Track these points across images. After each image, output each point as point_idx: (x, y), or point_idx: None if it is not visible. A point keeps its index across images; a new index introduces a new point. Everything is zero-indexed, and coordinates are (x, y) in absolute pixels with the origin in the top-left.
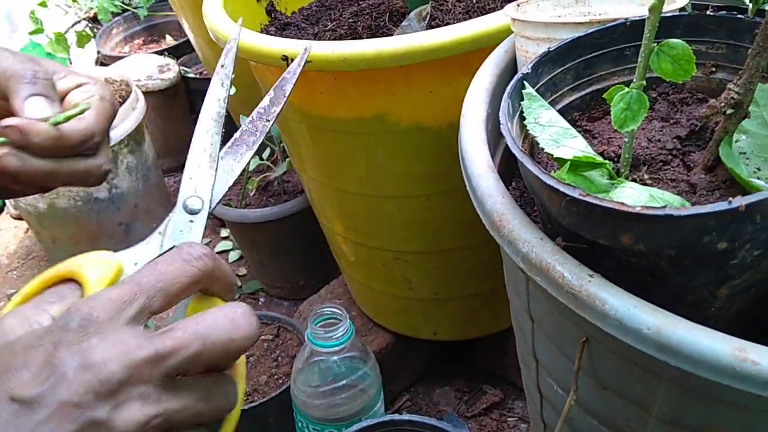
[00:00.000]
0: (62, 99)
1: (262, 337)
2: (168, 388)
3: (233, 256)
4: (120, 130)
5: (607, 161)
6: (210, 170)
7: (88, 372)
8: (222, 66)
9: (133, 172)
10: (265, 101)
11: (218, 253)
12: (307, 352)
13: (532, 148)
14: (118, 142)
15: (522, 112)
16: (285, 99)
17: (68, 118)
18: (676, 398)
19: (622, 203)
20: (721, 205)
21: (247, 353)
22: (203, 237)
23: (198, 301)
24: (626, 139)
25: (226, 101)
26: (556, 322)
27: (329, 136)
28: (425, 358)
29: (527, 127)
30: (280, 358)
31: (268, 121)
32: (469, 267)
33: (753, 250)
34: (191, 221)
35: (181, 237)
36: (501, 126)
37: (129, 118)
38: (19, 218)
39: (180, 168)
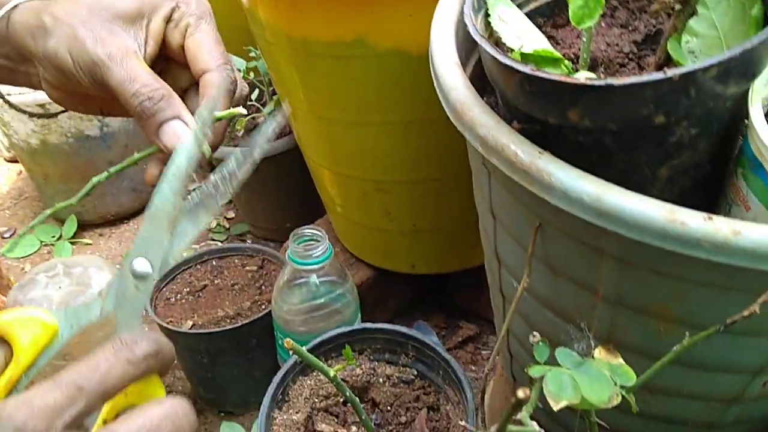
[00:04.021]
0: (163, 40)
1: (247, 267)
2: None
3: None
4: None
5: (565, 60)
6: (167, 234)
7: None
8: (200, 122)
9: None
10: (231, 164)
11: None
12: (288, 273)
13: (497, 46)
14: None
15: (487, 10)
16: (253, 165)
17: (222, 118)
18: (618, 274)
19: (568, 75)
20: (657, 75)
21: (232, 282)
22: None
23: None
24: (584, 39)
25: (197, 161)
26: (514, 213)
27: (311, 61)
28: (404, 294)
29: (491, 24)
30: (263, 287)
31: (232, 185)
32: (446, 199)
33: (690, 129)
34: (137, 287)
35: (124, 303)
36: (464, 16)
37: None
38: (13, 161)
39: None
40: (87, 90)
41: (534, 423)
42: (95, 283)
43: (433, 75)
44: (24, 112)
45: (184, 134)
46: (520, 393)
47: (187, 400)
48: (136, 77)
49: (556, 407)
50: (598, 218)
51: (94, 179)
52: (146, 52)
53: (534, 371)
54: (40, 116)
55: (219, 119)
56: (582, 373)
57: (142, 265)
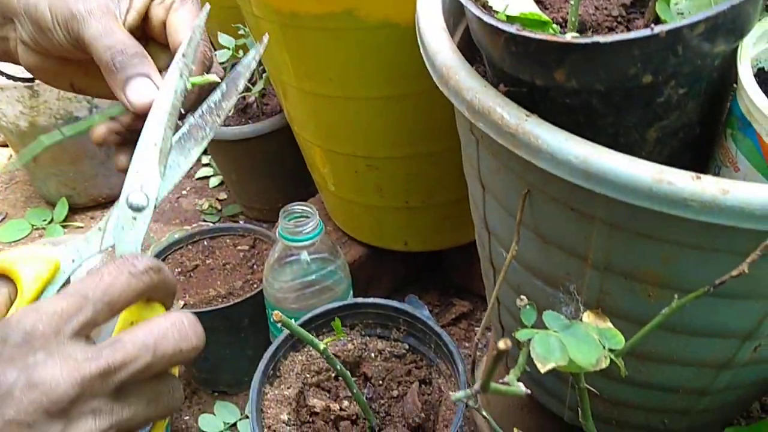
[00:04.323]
0: (145, 15)
1: (239, 247)
2: (118, 398)
3: (214, 181)
4: None
5: (553, 23)
6: (159, 166)
7: (36, 390)
8: (183, 55)
9: None
10: (216, 95)
11: (199, 179)
12: (279, 251)
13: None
14: None
15: None
16: (237, 94)
17: (195, 84)
18: (607, 240)
19: (554, 34)
20: (644, 32)
21: (224, 261)
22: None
23: (137, 306)
24: (572, 2)
25: (183, 94)
26: (502, 180)
27: (300, 35)
28: (397, 272)
29: None
30: (255, 266)
31: (219, 116)
32: (438, 175)
33: (678, 88)
34: (134, 218)
35: (122, 234)
36: None
37: None
38: (3, 145)
39: None
40: (61, 50)
41: (521, 384)
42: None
43: (419, 40)
44: (13, 78)
45: (151, 94)
46: (501, 344)
47: (181, 381)
48: (112, 33)
49: (543, 369)
50: (585, 180)
51: (43, 138)
52: (126, 20)
53: (521, 335)
54: (26, 80)
55: (192, 85)
56: (569, 335)
57: (138, 198)
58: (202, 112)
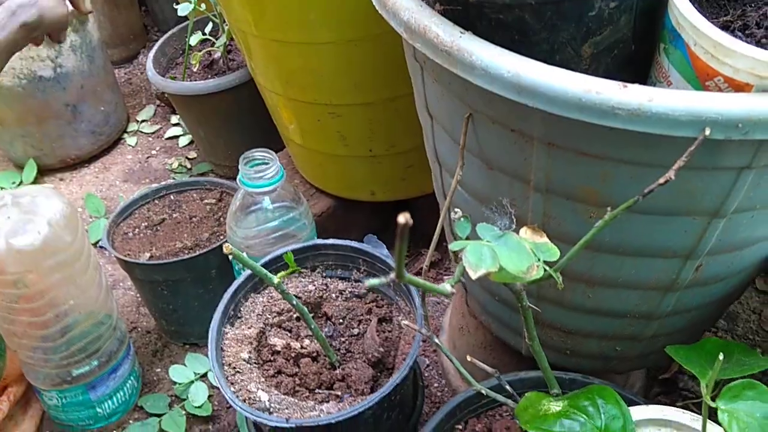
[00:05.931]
0: None
1: (205, 201)
2: None
3: (183, 141)
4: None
5: None
6: None
7: None
8: None
9: (78, 51)
10: None
11: (168, 138)
12: (240, 198)
13: None
14: None
15: None
16: None
17: None
18: (547, 160)
19: None
20: None
21: (190, 215)
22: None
23: None
24: None
25: None
26: (446, 106)
27: None
28: (366, 223)
29: None
30: (221, 219)
31: None
32: (400, 122)
33: (609, 1)
34: None
35: None
36: None
37: None
38: None
39: (131, 59)
40: None
41: (447, 285)
42: (43, 211)
43: None
44: None
45: None
46: (401, 218)
47: (152, 334)
48: None
49: (474, 276)
50: (518, 95)
51: None
52: None
53: (454, 245)
54: None
55: None
56: (501, 245)
57: None
58: None
